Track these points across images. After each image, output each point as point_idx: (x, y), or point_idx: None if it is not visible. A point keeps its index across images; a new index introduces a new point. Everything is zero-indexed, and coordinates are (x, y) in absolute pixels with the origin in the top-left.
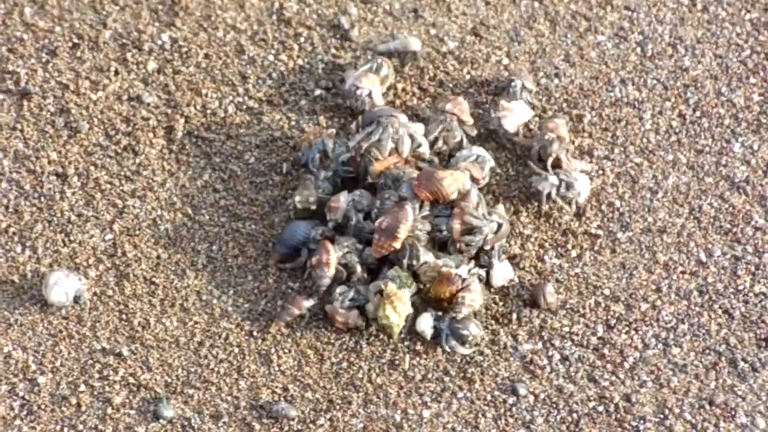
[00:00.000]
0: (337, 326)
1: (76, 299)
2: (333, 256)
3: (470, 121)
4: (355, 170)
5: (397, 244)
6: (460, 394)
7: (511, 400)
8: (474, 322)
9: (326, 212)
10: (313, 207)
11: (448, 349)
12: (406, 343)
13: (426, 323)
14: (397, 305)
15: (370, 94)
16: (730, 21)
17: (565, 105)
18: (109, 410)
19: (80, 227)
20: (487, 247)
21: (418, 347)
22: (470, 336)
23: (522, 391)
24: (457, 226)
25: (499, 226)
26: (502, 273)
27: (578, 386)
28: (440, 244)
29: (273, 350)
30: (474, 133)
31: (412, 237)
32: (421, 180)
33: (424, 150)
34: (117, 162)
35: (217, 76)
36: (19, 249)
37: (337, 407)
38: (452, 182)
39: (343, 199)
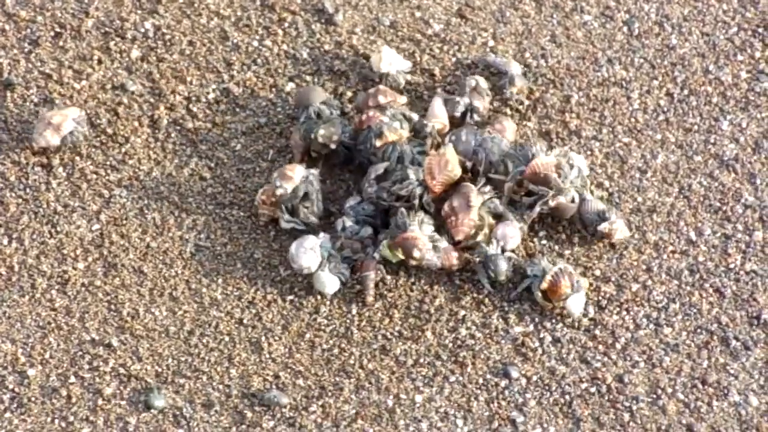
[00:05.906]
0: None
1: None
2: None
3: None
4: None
5: (474, 215)
6: (452, 378)
7: (503, 383)
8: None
9: (277, 179)
10: (333, 146)
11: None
12: (396, 329)
13: (578, 304)
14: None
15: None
16: None
17: (551, 85)
18: (100, 401)
19: (66, 218)
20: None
21: (406, 333)
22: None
23: (514, 374)
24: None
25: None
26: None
27: (570, 368)
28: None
29: (263, 338)
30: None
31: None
32: (435, 175)
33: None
34: (102, 152)
35: (202, 63)
36: (5, 241)
37: (329, 394)
38: (455, 162)
39: (299, 172)
